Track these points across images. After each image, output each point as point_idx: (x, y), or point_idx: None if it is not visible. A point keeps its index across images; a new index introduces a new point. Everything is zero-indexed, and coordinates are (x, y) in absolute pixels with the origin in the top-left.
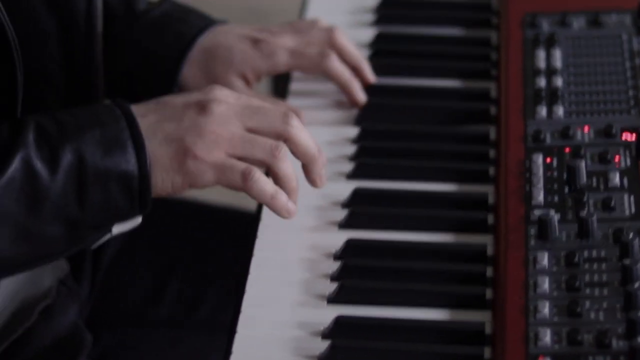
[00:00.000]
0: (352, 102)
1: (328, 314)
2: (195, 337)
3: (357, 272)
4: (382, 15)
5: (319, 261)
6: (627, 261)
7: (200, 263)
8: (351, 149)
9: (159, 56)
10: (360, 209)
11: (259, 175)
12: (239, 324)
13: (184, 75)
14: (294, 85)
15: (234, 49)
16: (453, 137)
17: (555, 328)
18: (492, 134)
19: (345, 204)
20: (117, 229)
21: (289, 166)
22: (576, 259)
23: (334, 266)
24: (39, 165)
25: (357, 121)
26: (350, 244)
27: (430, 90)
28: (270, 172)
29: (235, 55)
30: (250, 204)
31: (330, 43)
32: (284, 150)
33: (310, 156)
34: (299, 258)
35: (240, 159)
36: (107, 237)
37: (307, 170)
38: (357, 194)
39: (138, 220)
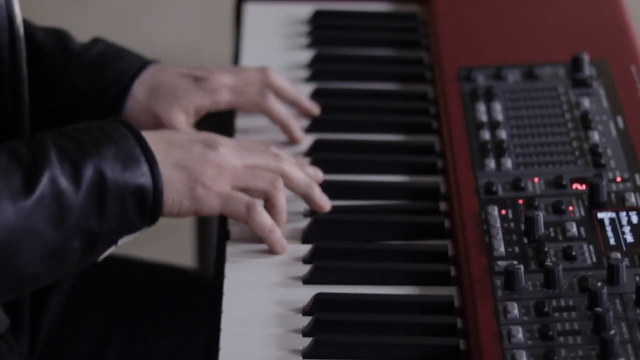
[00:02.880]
0: (291, 140)
1: None
2: None
3: (329, 326)
4: (316, 71)
5: (288, 316)
6: (598, 310)
7: (144, 320)
8: None
9: (100, 93)
10: (322, 264)
11: (261, 209)
12: None
13: (127, 111)
14: (240, 122)
15: (177, 85)
16: (403, 190)
17: None
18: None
19: (307, 260)
20: (122, 240)
21: (284, 199)
22: (546, 309)
23: (304, 321)
24: (64, 183)
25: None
26: (319, 299)
27: (374, 144)
28: (268, 202)
29: (179, 92)
30: (188, 262)
31: (266, 83)
32: (282, 182)
33: (305, 186)
34: (268, 314)
35: (243, 190)
36: (112, 248)
37: (309, 199)
38: (317, 250)
39: (140, 232)
